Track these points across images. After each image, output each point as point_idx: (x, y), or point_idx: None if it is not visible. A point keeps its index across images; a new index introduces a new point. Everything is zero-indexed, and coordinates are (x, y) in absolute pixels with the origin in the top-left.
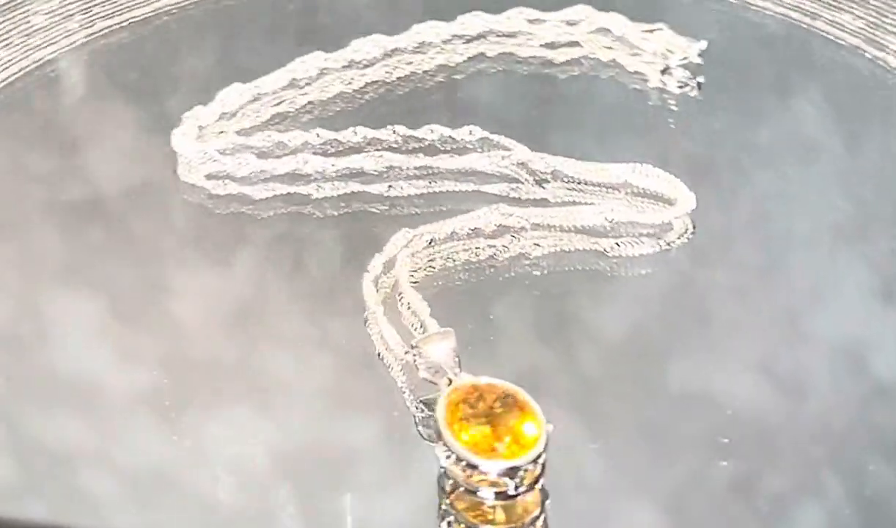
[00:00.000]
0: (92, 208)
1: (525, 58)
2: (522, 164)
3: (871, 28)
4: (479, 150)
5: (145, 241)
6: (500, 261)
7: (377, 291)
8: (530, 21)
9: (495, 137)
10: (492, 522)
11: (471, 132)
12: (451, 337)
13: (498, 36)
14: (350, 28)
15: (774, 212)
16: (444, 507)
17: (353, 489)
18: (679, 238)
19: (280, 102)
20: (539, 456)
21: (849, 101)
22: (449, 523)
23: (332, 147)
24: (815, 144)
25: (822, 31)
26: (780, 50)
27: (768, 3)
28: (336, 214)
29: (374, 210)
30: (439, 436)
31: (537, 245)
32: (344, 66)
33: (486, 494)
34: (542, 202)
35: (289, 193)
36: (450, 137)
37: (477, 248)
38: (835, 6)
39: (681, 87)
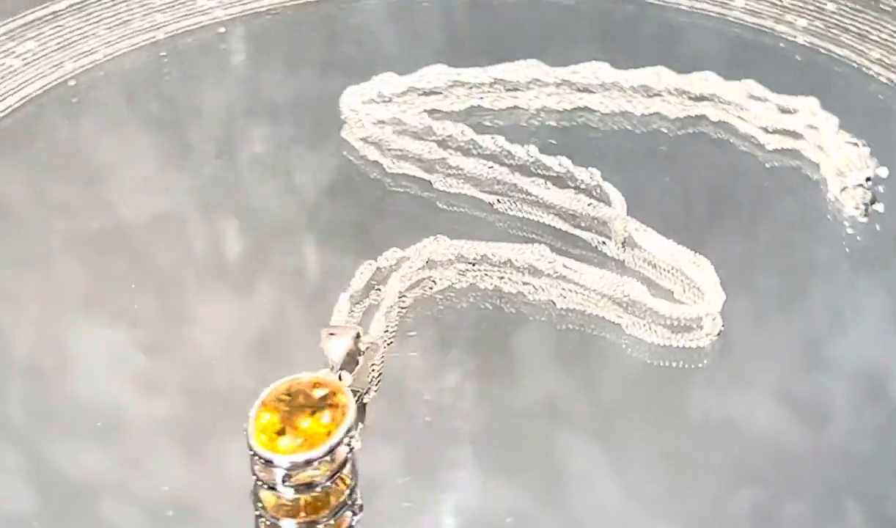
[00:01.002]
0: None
1: (742, 133)
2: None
3: None
4: (587, 194)
5: (167, 270)
6: (526, 298)
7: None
8: (752, 97)
9: (610, 189)
10: (291, 514)
11: (591, 176)
12: (348, 335)
13: (721, 102)
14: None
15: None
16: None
17: (374, 518)
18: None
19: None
20: (330, 453)
21: None
22: (258, 517)
23: (471, 147)
24: None
25: None
26: None
27: None
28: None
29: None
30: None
31: (563, 296)
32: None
33: (283, 489)
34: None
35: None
36: (572, 174)
37: (507, 277)
38: None
39: (856, 208)
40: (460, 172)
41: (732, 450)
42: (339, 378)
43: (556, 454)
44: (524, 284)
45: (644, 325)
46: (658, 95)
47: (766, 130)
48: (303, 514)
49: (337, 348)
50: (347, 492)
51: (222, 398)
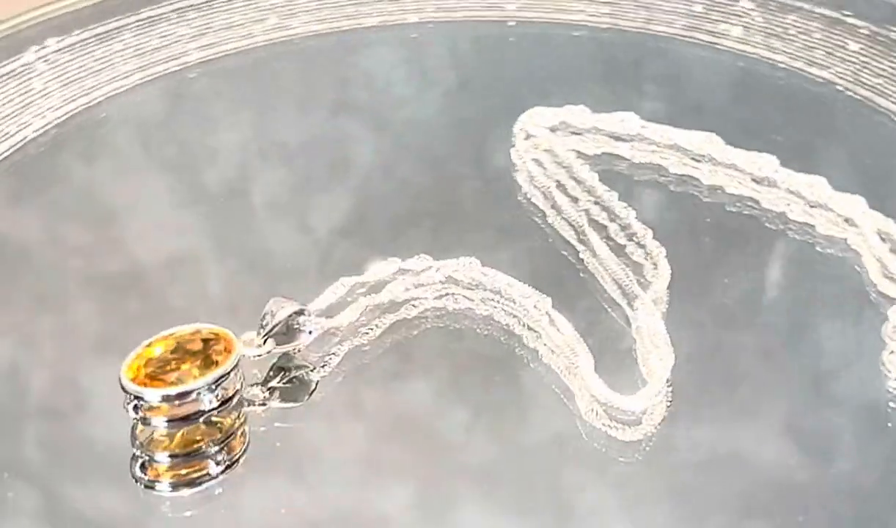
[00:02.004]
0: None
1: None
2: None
3: None
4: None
5: (180, 311)
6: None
7: None
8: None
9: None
10: (166, 448)
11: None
12: (288, 308)
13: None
14: None
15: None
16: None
17: None
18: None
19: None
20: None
21: None
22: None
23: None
24: None
25: None
26: None
27: None
28: None
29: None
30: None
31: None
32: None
33: (157, 422)
34: None
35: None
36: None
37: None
38: None
39: None
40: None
41: (739, 485)
42: (264, 343)
43: (563, 491)
44: (512, 317)
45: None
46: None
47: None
48: (171, 448)
49: (270, 315)
50: (218, 440)
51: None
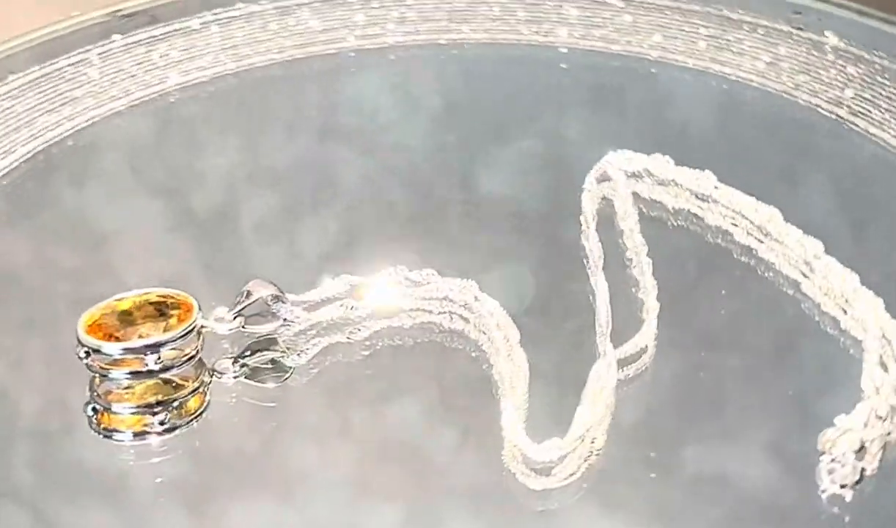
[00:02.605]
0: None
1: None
2: None
3: None
4: None
5: None
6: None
7: None
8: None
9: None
10: (127, 400)
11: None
12: (264, 290)
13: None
14: None
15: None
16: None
17: None
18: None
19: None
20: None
21: None
22: (92, 408)
23: None
24: None
25: None
26: None
27: None
28: None
29: None
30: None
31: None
32: None
33: (117, 374)
34: None
35: None
36: None
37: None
38: None
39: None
40: None
41: (725, 507)
42: (233, 319)
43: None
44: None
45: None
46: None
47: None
48: (128, 401)
49: (245, 294)
50: (171, 397)
51: (227, 460)
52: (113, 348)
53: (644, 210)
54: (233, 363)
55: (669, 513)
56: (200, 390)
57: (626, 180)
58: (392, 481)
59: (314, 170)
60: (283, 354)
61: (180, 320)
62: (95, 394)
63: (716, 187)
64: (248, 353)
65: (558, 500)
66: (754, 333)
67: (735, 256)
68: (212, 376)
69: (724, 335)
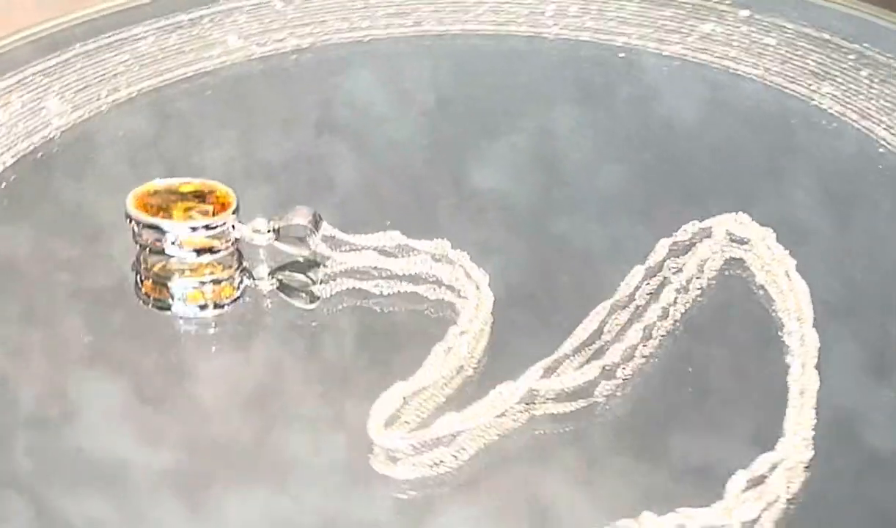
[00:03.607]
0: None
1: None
2: None
3: None
4: None
5: (164, 324)
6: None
7: None
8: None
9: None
10: (202, 274)
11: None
12: (307, 214)
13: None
14: None
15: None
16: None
17: None
18: None
19: None
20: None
21: None
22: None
23: None
24: None
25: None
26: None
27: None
28: None
29: None
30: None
31: None
32: None
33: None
34: None
35: None
36: None
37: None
38: None
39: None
40: None
41: (712, 494)
42: (268, 232)
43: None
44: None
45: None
46: None
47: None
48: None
49: (286, 214)
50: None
51: (222, 449)
52: (182, 228)
53: None
54: (269, 274)
55: (655, 500)
56: (231, 282)
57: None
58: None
59: (307, 163)
60: (314, 282)
61: (217, 212)
62: (143, 266)
63: None
64: (285, 269)
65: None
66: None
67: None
68: (244, 274)
69: None
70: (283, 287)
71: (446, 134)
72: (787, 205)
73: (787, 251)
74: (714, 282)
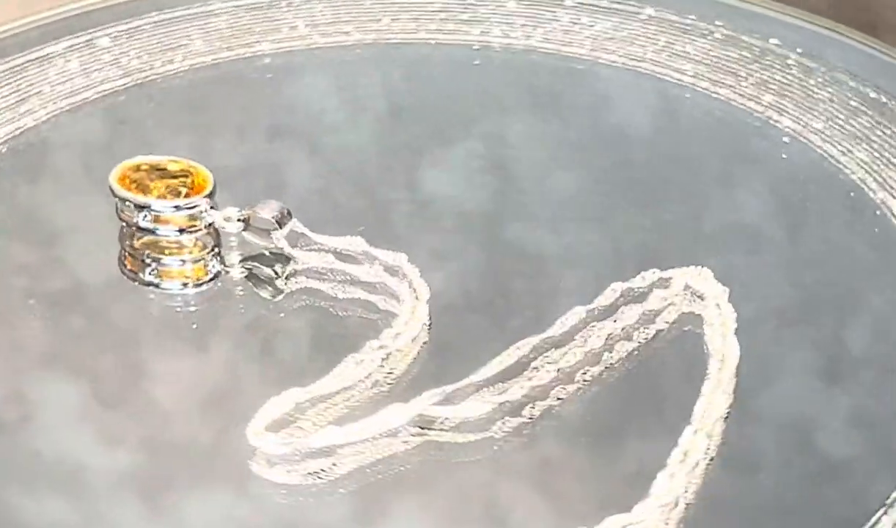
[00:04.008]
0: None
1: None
2: None
3: None
4: None
5: (122, 329)
6: None
7: None
8: None
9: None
10: (174, 253)
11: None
12: (273, 211)
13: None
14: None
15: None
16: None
17: None
18: None
19: None
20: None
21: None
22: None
23: None
24: None
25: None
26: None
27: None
28: None
29: None
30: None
31: None
32: None
33: (166, 231)
34: None
35: None
36: None
37: None
38: None
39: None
40: None
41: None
42: (244, 228)
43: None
44: None
45: None
46: None
47: None
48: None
49: (258, 206)
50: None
51: (180, 451)
52: (165, 205)
53: None
54: (239, 262)
55: (610, 503)
56: (202, 263)
57: None
58: None
59: (261, 169)
60: (279, 277)
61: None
62: (127, 242)
63: None
64: (254, 257)
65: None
66: None
67: None
68: (216, 259)
69: None
70: (250, 277)
71: (401, 140)
72: (741, 213)
73: (735, 314)
74: (653, 334)
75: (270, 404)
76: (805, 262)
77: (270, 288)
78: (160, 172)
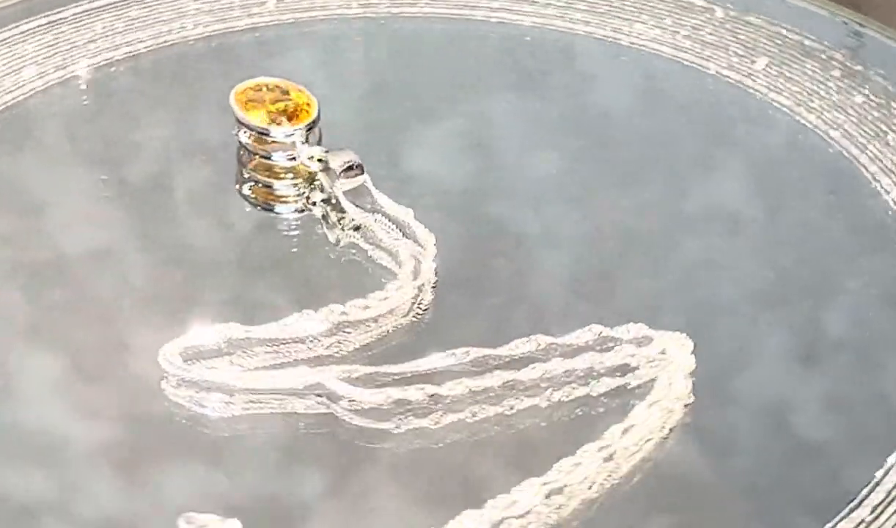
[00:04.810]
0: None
1: None
2: None
3: None
4: None
5: (103, 300)
6: None
7: None
8: None
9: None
10: (280, 177)
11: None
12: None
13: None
14: None
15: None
16: (244, 175)
17: None
18: None
19: None
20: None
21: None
22: (247, 185)
23: None
24: None
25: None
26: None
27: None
28: None
29: None
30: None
31: None
32: None
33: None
34: None
35: None
36: None
37: None
38: None
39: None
40: None
41: (644, 480)
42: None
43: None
44: None
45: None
46: None
47: None
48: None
49: (338, 155)
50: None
51: (159, 424)
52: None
53: None
54: (321, 201)
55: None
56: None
57: None
58: None
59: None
60: (342, 225)
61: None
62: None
63: None
64: (332, 203)
65: None
66: None
67: None
68: (307, 191)
69: None
70: (325, 215)
71: (383, 117)
72: (720, 193)
73: (692, 398)
74: (612, 387)
75: (201, 332)
76: (784, 242)
77: (335, 232)
78: (278, 95)
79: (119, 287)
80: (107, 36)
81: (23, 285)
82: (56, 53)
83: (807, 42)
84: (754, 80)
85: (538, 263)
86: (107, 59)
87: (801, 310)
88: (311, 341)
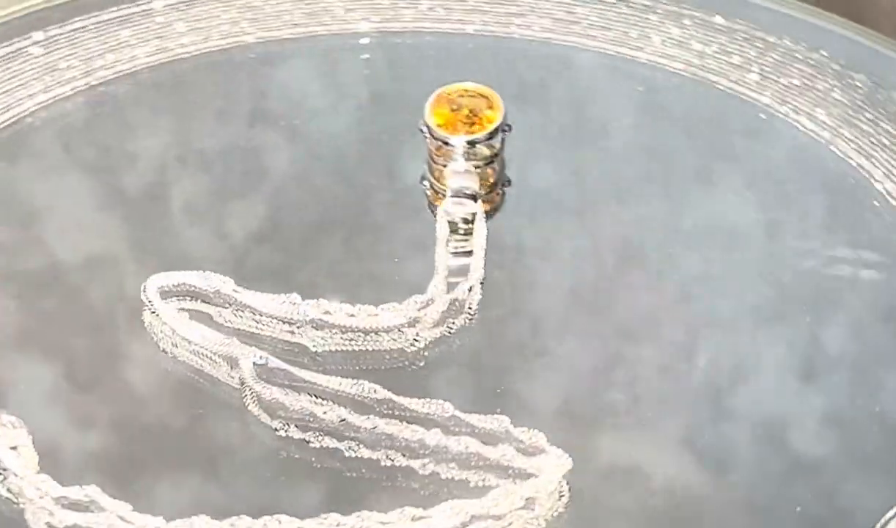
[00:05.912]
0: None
1: None
2: None
3: None
4: None
5: (97, 309)
6: None
7: None
8: None
9: None
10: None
11: None
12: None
13: None
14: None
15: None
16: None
17: None
18: None
19: None
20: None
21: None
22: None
23: None
24: None
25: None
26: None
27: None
28: None
29: None
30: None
31: None
32: None
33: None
34: None
35: None
36: None
37: None
38: None
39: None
40: None
41: (639, 495)
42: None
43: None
44: None
45: None
46: None
47: None
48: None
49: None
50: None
51: (152, 434)
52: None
53: None
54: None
55: (584, 501)
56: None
57: None
58: None
59: (243, 155)
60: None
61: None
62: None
63: None
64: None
65: None
66: None
67: None
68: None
69: None
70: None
71: (381, 128)
72: (719, 207)
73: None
74: None
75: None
76: (783, 258)
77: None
78: (476, 100)
79: (112, 296)
80: (103, 52)
81: (17, 294)
82: (55, 69)
83: (807, 54)
84: (756, 93)
85: (536, 276)
86: (101, 79)
87: (799, 326)
88: (292, 326)
